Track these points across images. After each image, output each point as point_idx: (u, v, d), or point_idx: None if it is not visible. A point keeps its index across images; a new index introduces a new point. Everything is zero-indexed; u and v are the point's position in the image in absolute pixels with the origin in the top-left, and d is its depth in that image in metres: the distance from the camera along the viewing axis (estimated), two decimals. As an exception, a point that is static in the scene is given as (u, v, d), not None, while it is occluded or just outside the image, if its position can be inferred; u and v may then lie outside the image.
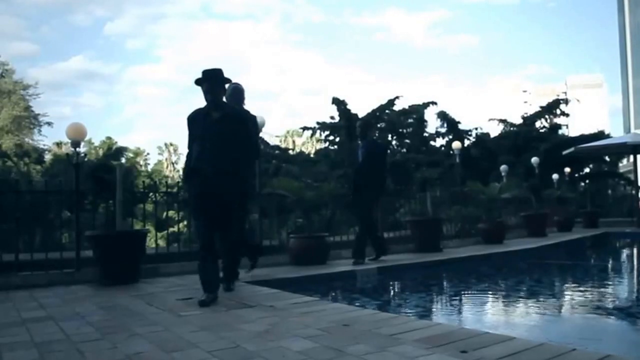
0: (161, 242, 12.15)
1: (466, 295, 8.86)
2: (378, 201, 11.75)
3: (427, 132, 36.03)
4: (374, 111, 35.33)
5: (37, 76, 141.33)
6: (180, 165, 79.83)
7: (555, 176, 22.98)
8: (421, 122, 35.60)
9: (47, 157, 43.48)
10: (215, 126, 6.52)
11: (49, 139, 58.87)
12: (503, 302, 8.31)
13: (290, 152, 42.43)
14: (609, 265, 13.52)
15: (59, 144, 51.28)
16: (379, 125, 35.30)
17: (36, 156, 41.34)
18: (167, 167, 76.31)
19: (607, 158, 33.22)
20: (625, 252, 17.29)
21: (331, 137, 36.05)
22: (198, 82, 6.59)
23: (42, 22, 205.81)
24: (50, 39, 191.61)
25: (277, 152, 37.62)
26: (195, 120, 6.68)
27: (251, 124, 7.33)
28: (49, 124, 51.46)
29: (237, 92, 8.24)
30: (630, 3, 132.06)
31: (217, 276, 6.63)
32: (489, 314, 7.53)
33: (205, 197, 6.46)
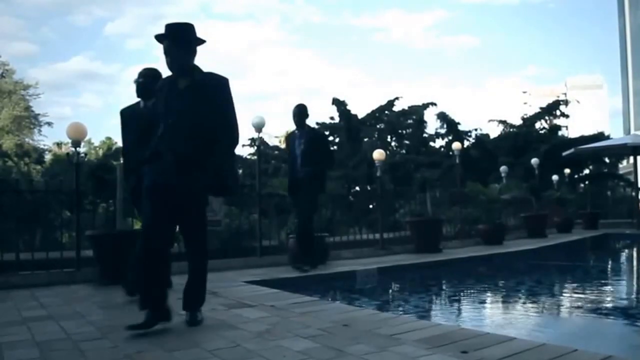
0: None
1: (466, 296, 8.87)
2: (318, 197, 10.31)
3: (426, 133, 36.09)
4: (373, 112, 35.42)
5: (37, 76, 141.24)
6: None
7: (555, 177, 22.98)
8: (421, 123, 35.63)
9: (47, 157, 43.77)
10: (179, 99, 5.06)
11: (49, 139, 59.19)
12: (503, 302, 8.31)
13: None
14: (609, 267, 13.53)
15: (59, 144, 51.28)
16: (378, 126, 35.37)
17: (36, 156, 41.65)
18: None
19: (606, 159, 33.29)
20: (625, 254, 17.30)
21: (331, 138, 36.06)
22: (159, 39, 5.07)
23: (42, 22, 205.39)
24: (50, 39, 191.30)
25: (276, 152, 37.61)
26: (161, 91, 5.28)
27: (229, 94, 5.27)
28: (49, 124, 51.59)
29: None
30: (631, 4, 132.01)
31: (164, 289, 5.08)
32: (489, 314, 7.53)
33: (160, 190, 4.98)
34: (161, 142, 5.07)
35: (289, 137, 10.47)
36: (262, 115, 11.41)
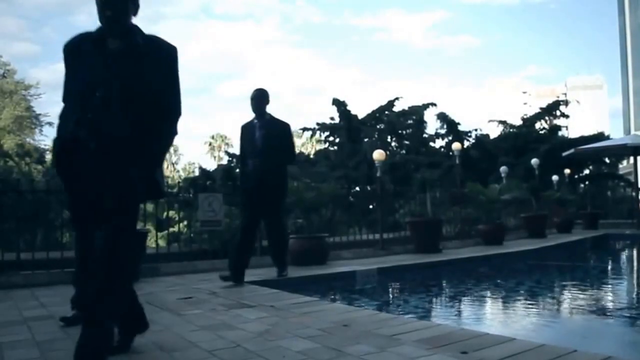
0: (161, 242, 12.15)
1: (466, 296, 8.86)
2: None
3: (426, 133, 36.11)
4: (373, 112, 35.43)
5: (38, 76, 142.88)
6: (181, 165, 79.69)
7: (555, 177, 23.01)
8: (421, 123, 35.65)
9: (48, 157, 43.78)
10: (112, 65, 3.69)
11: (50, 139, 59.02)
12: (503, 303, 8.31)
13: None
14: (609, 267, 13.54)
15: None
16: (378, 127, 35.38)
17: (37, 156, 41.83)
18: (167, 167, 76.15)
19: (607, 160, 33.29)
20: (625, 254, 17.30)
21: (331, 138, 36.12)
22: None
23: (43, 23, 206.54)
24: (51, 39, 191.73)
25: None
26: (82, 53, 3.81)
27: (177, 68, 4.05)
28: (50, 124, 51.52)
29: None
30: (631, 4, 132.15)
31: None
32: (489, 315, 7.53)
33: (80, 186, 3.71)
34: (81, 124, 3.62)
35: (245, 128, 8.55)
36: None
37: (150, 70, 3.74)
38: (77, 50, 3.84)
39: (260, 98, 8.39)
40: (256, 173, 8.13)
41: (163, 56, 3.87)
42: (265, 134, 8.24)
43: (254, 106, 8.39)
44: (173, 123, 3.95)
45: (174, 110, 3.93)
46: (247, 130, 8.48)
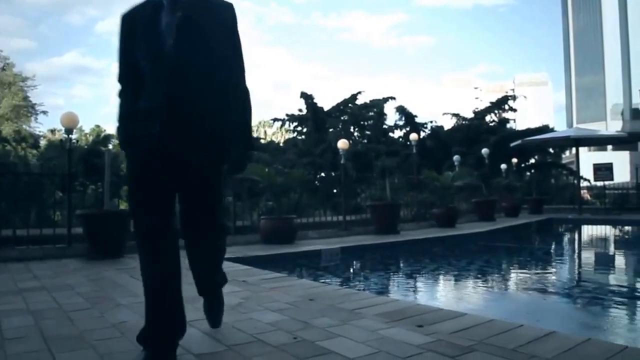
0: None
1: (421, 274, 8.93)
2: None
3: (386, 125, 36.06)
4: (338, 105, 35.36)
5: (34, 70, 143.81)
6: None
7: (503, 166, 23.12)
8: (381, 116, 35.61)
9: (42, 142, 44.42)
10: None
11: (44, 126, 61.42)
12: (455, 281, 8.39)
13: (262, 141, 42.19)
14: (552, 248, 13.71)
15: (53, 131, 51.52)
16: (342, 118, 35.39)
17: (32, 141, 42.52)
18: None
19: (551, 150, 33.54)
20: (567, 236, 17.52)
21: (299, 128, 35.99)
22: None
23: (40, 21, 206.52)
24: (47, 36, 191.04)
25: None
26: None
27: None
28: (44, 112, 53.01)
29: None
30: (574, 8, 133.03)
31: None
32: (443, 291, 7.61)
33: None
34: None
35: (133, 16, 3.23)
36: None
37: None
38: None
39: None
40: (162, 111, 3.05)
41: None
42: (184, 24, 3.11)
43: None
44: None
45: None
46: (138, 21, 3.22)
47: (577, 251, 13.16)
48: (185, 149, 3.05)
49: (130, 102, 3.16)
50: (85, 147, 32.08)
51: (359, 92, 35.68)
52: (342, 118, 35.57)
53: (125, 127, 3.17)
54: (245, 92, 3.36)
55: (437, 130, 35.36)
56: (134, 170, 3.13)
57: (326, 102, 37.17)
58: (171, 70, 3.00)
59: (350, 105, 35.55)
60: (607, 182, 22.28)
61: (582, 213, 19.88)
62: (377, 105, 35.46)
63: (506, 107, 36.13)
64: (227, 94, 3.21)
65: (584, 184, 24.82)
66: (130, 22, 3.17)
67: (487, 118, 36.06)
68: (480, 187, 18.76)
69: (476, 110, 36.59)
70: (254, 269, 7.00)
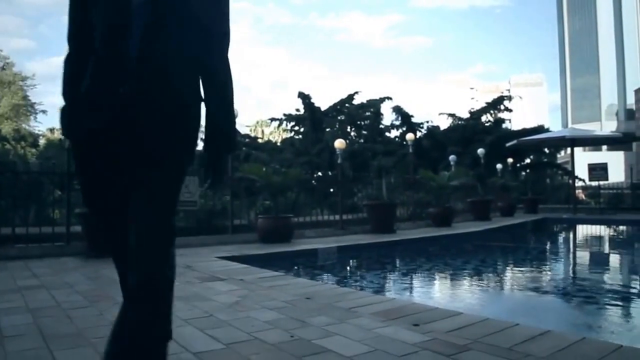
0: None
1: (417, 273, 8.93)
2: None
3: (383, 125, 36.12)
4: (335, 104, 35.43)
5: (34, 69, 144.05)
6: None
7: (499, 166, 23.14)
8: (378, 116, 35.66)
9: (42, 141, 44.44)
10: None
11: (44, 125, 60.90)
12: (451, 280, 8.38)
13: (260, 140, 42.20)
14: (548, 248, 13.71)
15: (52, 130, 51.68)
16: (339, 118, 35.42)
17: (32, 140, 42.77)
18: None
19: (546, 150, 33.61)
20: (562, 236, 17.51)
21: (296, 128, 36.05)
22: None
23: (40, 21, 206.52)
24: (46, 35, 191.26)
25: (247, 140, 37.42)
26: None
27: None
28: (44, 112, 53.15)
29: None
30: (569, 11, 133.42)
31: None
32: (438, 290, 7.61)
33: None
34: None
35: None
36: (236, 108, 11.38)
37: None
38: None
39: None
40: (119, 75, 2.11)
41: None
42: None
43: None
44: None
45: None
46: None
47: (571, 250, 13.16)
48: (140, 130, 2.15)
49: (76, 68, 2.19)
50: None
51: (356, 92, 35.76)
52: (339, 118, 35.64)
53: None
54: (227, 68, 2.45)
55: (433, 130, 35.40)
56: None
57: (323, 102, 37.38)
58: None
59: (347, 105, 35.61)
60: (601, 182, 22.28)
61: (577, 213, 19.87)
62: (374, 105, 35.52)
63: (502, 107, 36.21)
64: (205, 68, 2.36)
65: (579, 183, 24.89)
66: None
67: (483, 118, 36.12)
68: (476, 186, 18.76)
69: (472, 110, 36.65)
70: (251, 268, 7.01)
